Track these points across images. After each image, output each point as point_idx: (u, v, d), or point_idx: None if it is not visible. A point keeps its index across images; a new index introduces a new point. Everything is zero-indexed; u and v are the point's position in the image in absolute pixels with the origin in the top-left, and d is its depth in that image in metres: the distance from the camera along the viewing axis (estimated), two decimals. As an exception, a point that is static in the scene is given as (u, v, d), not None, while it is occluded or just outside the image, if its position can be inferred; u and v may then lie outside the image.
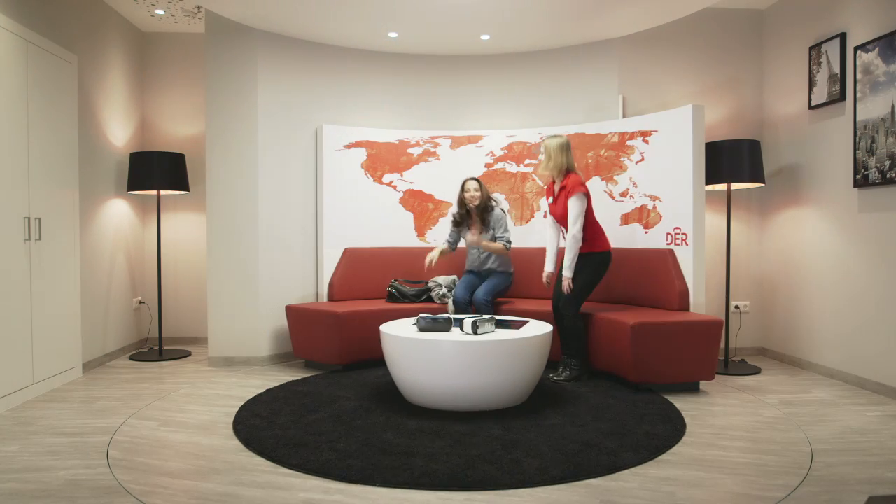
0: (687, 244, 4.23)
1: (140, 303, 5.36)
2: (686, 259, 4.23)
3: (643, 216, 4.53)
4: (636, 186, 4.57)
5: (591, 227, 3.98)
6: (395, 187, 5.11)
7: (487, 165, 5.13)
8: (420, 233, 5.15)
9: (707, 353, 3.73)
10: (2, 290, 3.43)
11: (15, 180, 3.56)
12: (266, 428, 3.08)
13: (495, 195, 4.93)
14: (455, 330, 3.49)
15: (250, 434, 3.00)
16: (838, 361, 4.15)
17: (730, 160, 4.39)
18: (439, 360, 3.27)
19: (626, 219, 4.63)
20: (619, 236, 4.58)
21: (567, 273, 3.93)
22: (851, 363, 4.03)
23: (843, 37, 4.05)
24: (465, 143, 5.14)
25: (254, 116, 4.65)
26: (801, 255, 4.53)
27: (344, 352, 4.27)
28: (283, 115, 4.79)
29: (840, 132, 4.11)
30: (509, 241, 4.50)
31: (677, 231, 4.30)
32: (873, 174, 3.78)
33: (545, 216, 4.21)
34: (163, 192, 5.06)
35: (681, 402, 3.52)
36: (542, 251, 4.38)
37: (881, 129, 3.72)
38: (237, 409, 3.44)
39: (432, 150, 5.14)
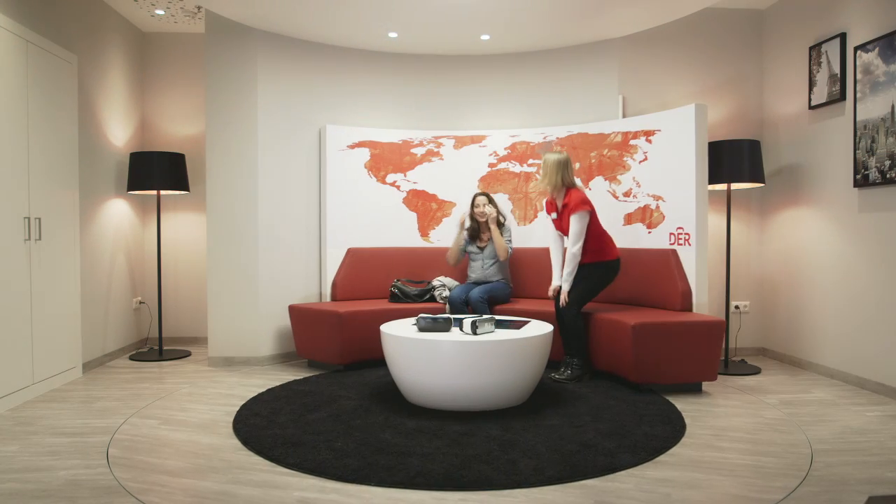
0: (690, 244, 4.22)
1: (140, 303, 5.36)
2: (689, 259, 4.22)
3: (646, 216, 4.52)
4: (639, 186, 4.56)
5: (598, 238, 4.02)
6: (398, 187, 5.11)
7: (491, 165, 5.13)
8: (423, 233, 5.15)
9: (709, 353, 3.72)
10: (2, 290, 3.44)
11: (15, 180, 3.57)
12: (265, 427, 3.09)
13: (497, 195, 4.99)
14: (455, 330, 3.49)
15: (249, 433, 3.01)
16: (838, 361, 4.14)
17: (730, 160, 4.39)
18: (439, 360, 3.27)
19: (629, 219, 4.62)
20: (623, 236, 4.58)
21: (565, 286, 3.98)
22: (851, 363, 4.02)
23: (843, 37, 4.05)
24: (469, 143, 5.14)
25: (254, 116, 4.65)
26: (800, 256, 4.53)
27: (346, 351, 4.27)
28: (284, 114, 4.79)
29: (840, 132, 4.10)
30: (511, 249, 4.70)
31: (680, 231, 4.29)
32: (873, 174, 3.77)
33: (547, 211, 4.21)
34: (163, 192, 5.06)
35: (682, 403, 3.52)
36: (544, 251, 4.41)
37: (881, 129, 3.71)
38: (238, 408, 3.45)
39: (436, 150, 5.14)
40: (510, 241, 4.71)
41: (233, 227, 4.64)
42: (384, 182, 5.08)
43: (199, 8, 4.83)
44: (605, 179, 4.76)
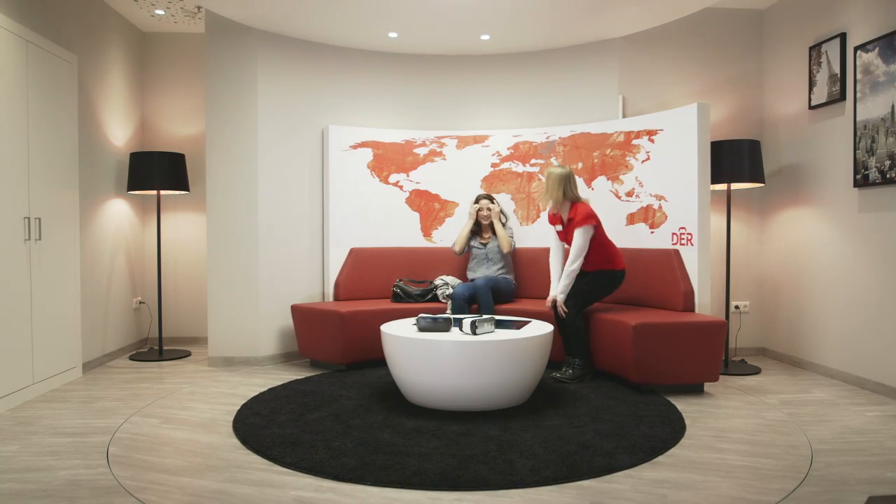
0: (692, 244, 4.20)
1: (140, 303, 5.37)
2: (691, 259, 4.20)
3: (649, 216, 4.50)
4: (642, 186, 4.55)
5: (605, 249, 4.05)
6: (401, 187, 5.11)
7: (493, 165, 5.13)
8: (426, 233, 5.15)
9: (711, 354, 3.71)
10: (2, 290, 3.44)
11: (15, 180, 3.57)
12: (265, 426, 3.09)
13: (499, 195, 5.01)
14: (455, 330, 3.49)
15: (249, 432, 3.01)
16: (838, 361, 4.14)
17: (730, 160, 4.38)
18: (439, 360, 3.27)
19: (631, 219, 4.61)
20: (625, 236, 4.57)
21: (561, 297, 4.00)
22: (851, 363, 4.02)
23: (843, 37, 4.04)
24: (472, 143, 5.14)
25: (254, 116, 4.66)
26: (801, 255, 4.52)
27: (348, 351, 4.28)
28: (284, 114, 4.79)
29: (840, 132, 4.10)
30: (514, 244, 4.84)
31: (682, 231, 4.27)
32: (873, 174, 3.77)
33: (550, 222, 4.23)
34: (163, 192, 5.07)
35: (683, 404, 3.51)
36: (546, 251, 4.41)
37: (881, 129, 3.71)
38: (239, 408, 3.45)
39: (438, 150, 5.14)
40: (512, 236, 4.84)
41: (233, 227, 4.64)
42: (387, 182, 5.08)
43: (199, 8, 4.84)
44: (608, 179, 4.75)
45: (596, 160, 4.81)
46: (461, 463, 2.59)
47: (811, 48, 4.34)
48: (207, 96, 4.61)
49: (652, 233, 4.47)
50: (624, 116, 4.86)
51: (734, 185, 4.52)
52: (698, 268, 4.16)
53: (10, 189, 3.53)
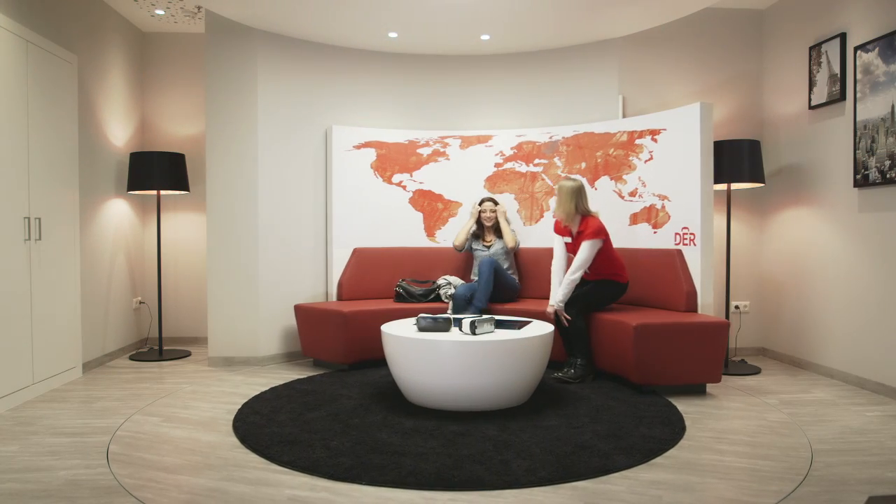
0: (695, 244, 4.19)
1: (140, 303, 5.37)
2: (694, 260, 4.19)
3: (652, 216, 4.49)
4: (645, 186, 4.53)
5: (611, 262, 4.07)
6: (404, 187, 5.11)
7: (497, 165, 5.12)
8: (430, 233, 5.15)
9: (713, 355, 3.70)
10: (2, 290, 3.45)
11: (15, 180, 3.58)
12: (264, 425, 3.10)
13: (503, 195, 5.04)
14: (455, 330, 3.49)
15: (248, 431, 3.02)
16: (838, 361, 4.13)
17: (730, 160, 4.37)
18: (439, 360, 3.27)
19: (634, 219, 4.60)
20: (628, 236, 4.57)
21: (560, 306, 4.00)
22: (851, 363, 4.01)
23: (843, 37, 4.03)
24: (475, 143, 5.13)
25: (254, 116, 4.66)
26: (801, 256, 4.51)
27: (350, 351, 4.28)
28: (284, 114, 4.80)
29: (840, 132, 4.09)
30: (518, 243, 4.89)
31: (685, 231, 4.26)
32: (873, 174, 3.76)
33: (556, 231, 4.23)
34: (163, 192, 5.07)
35: (684, 405, 3.50)
36: (548, 251, 4.40)
37: (881, 129, 3.70)
38: (239, 407, 3.46)
39: (442, 150, 5.14)
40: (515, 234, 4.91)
41: (233, 227, 4.65)
42: (390, 182, 5.08)
43: (199, 8, 4.84)
44: (611, 179, 4.74)
45: (599, 160, 4.81)
46: (457, 463, 2.59)
47: (811, 48, 4.33)
48: (207, 96, 4.61)
49: (655, 233, 4.46)
50: (624, 116, 4.85)
51: (734, 185, 4.52)
52: (701, 268, 4.15)
53: (10, 189, 3.53)
